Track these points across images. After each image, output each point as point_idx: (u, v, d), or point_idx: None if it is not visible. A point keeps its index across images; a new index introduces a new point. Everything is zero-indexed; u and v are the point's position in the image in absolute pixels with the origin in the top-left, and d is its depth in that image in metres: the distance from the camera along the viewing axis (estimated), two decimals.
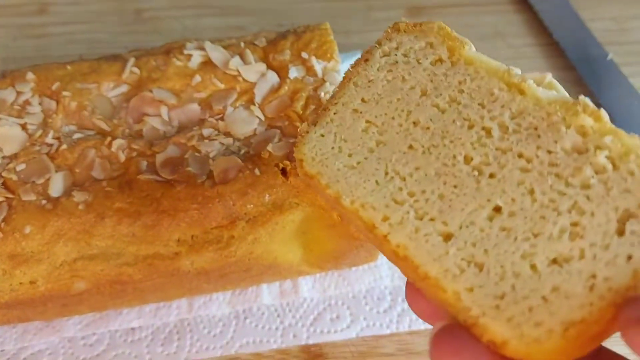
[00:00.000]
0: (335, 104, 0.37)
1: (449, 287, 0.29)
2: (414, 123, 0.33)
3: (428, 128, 0.33)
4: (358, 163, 0.34)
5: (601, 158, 0.28)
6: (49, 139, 0.48)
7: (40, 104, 0.50)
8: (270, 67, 0.52)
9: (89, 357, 0.52)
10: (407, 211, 0.31)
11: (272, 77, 0.51)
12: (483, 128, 0.31)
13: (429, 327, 0.51)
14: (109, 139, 0.48)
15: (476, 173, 0.31)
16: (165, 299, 0.53)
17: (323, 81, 0.51)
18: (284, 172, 0.47)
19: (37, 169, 0.47)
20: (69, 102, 0.50)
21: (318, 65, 0.51)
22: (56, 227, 0.45)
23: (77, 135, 0.49)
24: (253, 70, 0.51)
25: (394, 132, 0.34)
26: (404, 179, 0.32)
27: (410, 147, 0.33)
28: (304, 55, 0.52)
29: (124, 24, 0.72)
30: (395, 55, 0.36)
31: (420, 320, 0.52)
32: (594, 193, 0.28)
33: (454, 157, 0.31)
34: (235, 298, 0.54)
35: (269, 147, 0.47)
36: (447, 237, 0.30)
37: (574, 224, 0.28)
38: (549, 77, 0.33)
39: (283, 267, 0.50)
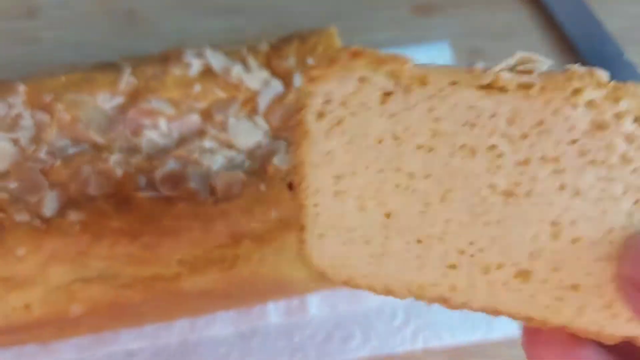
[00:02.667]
0: (308, 195, 0.30)
1: (555, 321, 0.26)
2: (409, 176, 0.27)
3: (429, 175, 0.27)
4: (382, 247, 0.28)
5: (627, 125, 0.24)
6: (42, 154, 0.46)
7: (32, 117, 0.47)
8: (274, 73, 0.49)
9: None
10: (469, 270, 0.27)
11: (276, 85, 0.48)
12: (488, 149, 0.26)
13: (445, 344, 0.50)
14: (105, 153, 0.46)
15: (511, 199, 0.26)
16: (167, 320, 0.50)
17: None
18: (290, 186, 0.44)
19: (31, 187, 0.44)
20: (62, 115, 0.47)
21: None
22: (51, 248, 0.42)
23: (71, 150, 0.46)
24: (256, 78, 0.48)
25: (395, 197, 0.27)
26: (442, 239, 0.27)
27: (426, 204, 0.27)
28: (310, 61, 0.49)
29: (115, 27, 0.70)
30: (332, 112, 0.27)
31: (435, 337, 0.50)
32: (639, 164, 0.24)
33: (478, 193, 0.26)
34: (240, 317, 0.51)
35: (275, 160, 0.45)
36: (525, 276, 0.26)
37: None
38: (518, 55, 0.26)
39: (290, 285, 0.47)
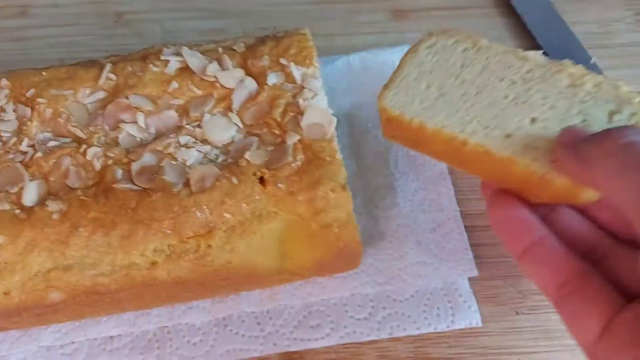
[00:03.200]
0: (397, 78, 0.49)
1: (519, 160, 0.42)
2: (462, 81, 0.47)
3: (473, 82, 0.47)
4: (430, 105, 0.47)
5: (588, 86, 0.44)
6: (23, 147, 0.48)
7: (14, 110, 0.49)
8: (248, 73, 0.51)
9: None
10: (476, 125, 0.45)
11: (251, 84, 0.50)
12: (510, 79, 0.46)
13: (411, 333, 0.52)
14: (84, 146, 0.48)
15: (514, 102, 0.45)
16: (144, 308, 0.52)
17: (302, 88, 0.50)
18: (262, 180, 0.46)
19: (11, 178, 0.46)
20: (44, 109, 0.49)
21: (297, 72, 0.51)
22: (30, 237, 0.44)
23: (52, 143, 0.48)
24: (231, 77, 0.50)
25: (451, 87, 0.47)
26: (467, 110, 0.46)
27: (464, 93, 0.46)
28: (283, 61, 0.51)
29: (104, 27, 0.72)
30: (435, 46, 0.49)
31: (401, 326, 0.52)
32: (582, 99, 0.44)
33: (497, 95, 0.45)
34: (215, 306, 0.53)
35: (247, 155, 0.47)
36: (508, 136, 0.44)
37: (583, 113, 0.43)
38: (540, 52, 0.47)
39: (263, 275, 0.49)
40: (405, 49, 0.65)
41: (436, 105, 0.47)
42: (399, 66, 0.50)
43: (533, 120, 0.44)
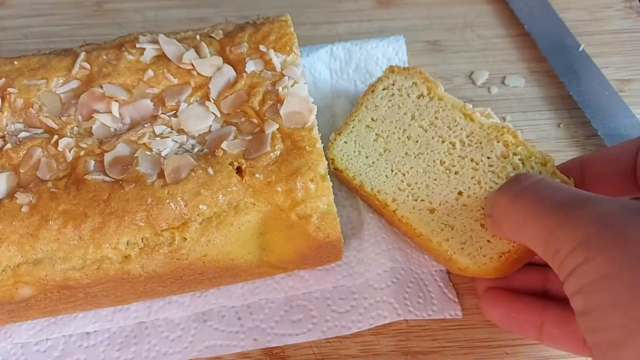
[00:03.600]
0: (353, 120, 0.53)
1: (434, 239, 0.48)
2: (407, 137, 0.51)
3: (417, 141, 0.51)
4: (373, 163, 0.51)
5: (516, 160, 0.48)
6: None
7: None
8: (226, 60, 0.50)
9: None
10: (407, 195, 0.49)
11: (228, 72, 0.49)
12: (450, 142, 0.50)
13: (394, 320, 0.50)
14: (56, 137, 0.46)
15: (448, 171, 0.49)
16: (121, 303, 0.51)
17: (282, 75, 0.49)
18: (239, 171, 0.45)
19: None
20: (15, 99, 0.48)
21: (276, 59, 0.49)
22: None
23: (23, 134, 0.47)
24: (208, 64, 0.49)
25: (395, 143, 0.52)
26: (404, 174, 0.50)
27: (406, 153, 0.51)
28: (262, 48, 0.50)
29: (83, 17, 0.70)
30: (392, 89, 0.54)
31: (382, 315, 0.50)
32: (507, 175, 0.48)
33: (434, 160, 0.50)
34: (195, 301, 0.52)
35: (224, 145, 0.45)
36: (432, 211, 0.48)
37: None
38: (489, 110, 0.51)
39: (242, 268, 0.48)
40: (388, 40, 0.64)
41: (378, 165, 0.51)
42: (356, 107, 0.54)
43: (459, 194, 0.48)
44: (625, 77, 0.64)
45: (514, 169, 0.47)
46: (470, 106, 0.51)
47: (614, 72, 0.64)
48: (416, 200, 0.48)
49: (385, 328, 0.51)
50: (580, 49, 0.64)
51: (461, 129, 0.50)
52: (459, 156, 0.49)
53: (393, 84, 0.53)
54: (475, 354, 0.50)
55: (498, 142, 0.48)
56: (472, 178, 0.48)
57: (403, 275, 0.52)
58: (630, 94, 0.63)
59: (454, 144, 0.49)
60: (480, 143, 0.49)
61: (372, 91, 0.54)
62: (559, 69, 0.63)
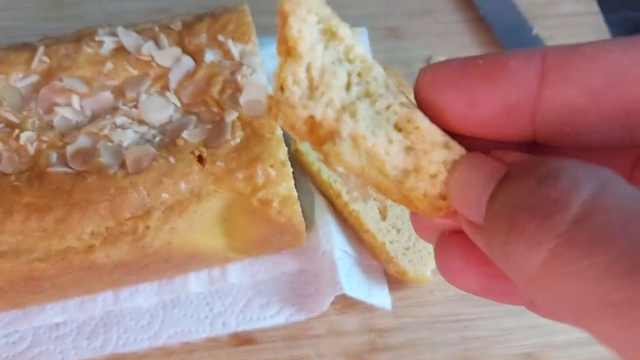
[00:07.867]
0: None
1: (379, 239, 0.50)
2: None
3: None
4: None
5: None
6: None
7: None
8: (185, 51, 0.50)
9: (12, 355, 0.50)
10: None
11: (188, 62, 0.50)
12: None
13: (359, 307, 0.52)
14: (17, 131, 0.46)
15: None
16: (88, 293, 0.52)
17: (240, 64, 0.50)
18: (200, 159, 0.46)
19: None
20: None
21: (235, 49, 0.50)
22: None
23: None
24: (167, 55, 0.49)
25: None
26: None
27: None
28: (221, 38, 0.50)
29: (43, 10, 0.70)
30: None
31: (346, 297, 0.52)
32: None
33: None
34: (162, 288, 0.53)
35: (185, 134, 0.46)
36: (383, 210, 0.51)
37: None
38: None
39: (207, 255, 0.49)
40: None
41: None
42: None
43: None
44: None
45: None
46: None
47: None
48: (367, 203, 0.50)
49: (350, 308, 0.53)
50: (534, 32, 0.66)
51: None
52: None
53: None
54: (436, 329, 0.52)
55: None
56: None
57: (344, 258, 0.53)
58: None
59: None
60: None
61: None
62: None
